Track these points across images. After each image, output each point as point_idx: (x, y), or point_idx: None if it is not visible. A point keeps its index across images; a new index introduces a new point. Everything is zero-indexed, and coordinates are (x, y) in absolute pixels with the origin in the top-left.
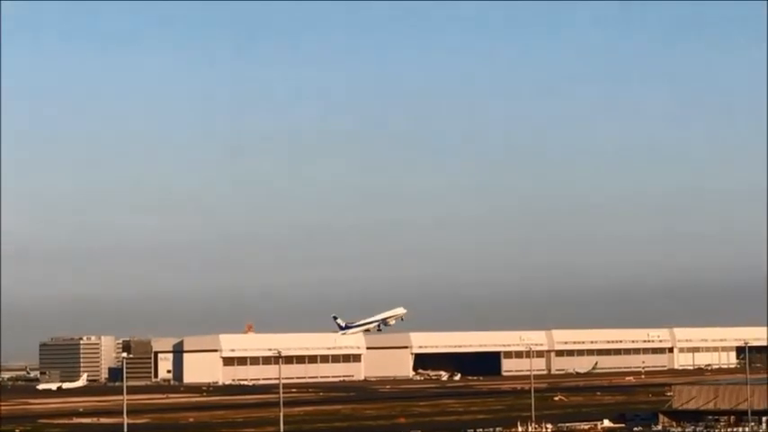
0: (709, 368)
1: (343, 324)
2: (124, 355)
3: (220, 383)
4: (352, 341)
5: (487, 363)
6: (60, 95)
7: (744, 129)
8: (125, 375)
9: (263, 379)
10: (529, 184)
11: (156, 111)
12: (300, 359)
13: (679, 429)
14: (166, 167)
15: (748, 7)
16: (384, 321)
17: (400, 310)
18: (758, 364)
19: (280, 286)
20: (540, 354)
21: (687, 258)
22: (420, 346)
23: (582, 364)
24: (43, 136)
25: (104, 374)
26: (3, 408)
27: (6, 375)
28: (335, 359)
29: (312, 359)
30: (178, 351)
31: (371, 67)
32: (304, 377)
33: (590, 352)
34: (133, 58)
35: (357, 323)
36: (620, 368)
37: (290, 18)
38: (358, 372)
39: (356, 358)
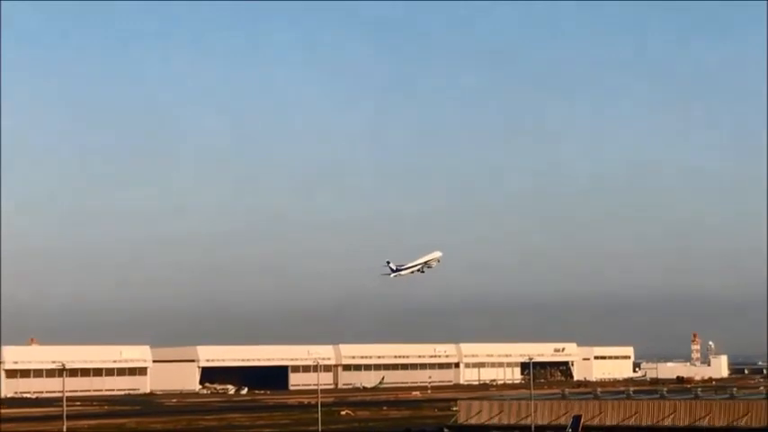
0: (495, 383)
1: (394, 267)
2: None
3: (2, 396)
4: (137, 354)
5: (275, 377)
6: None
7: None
8: None
9: (47, 392)
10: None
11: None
12: (85, 372)
13: None
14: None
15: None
16: (427, 264)
17: (438, 254)
18: (542, 380)
19: (64, 297)
20: (327, 368)
21: (478, 276)
22: (207, 360)
23: (369, 379)
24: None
25: None
26: None
27: None
28: (121, 372)
29: (97, 372)
30: None
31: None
32: (89, 390)
33: (377, 367)
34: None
35: (405, 266)
36: (407, 383)
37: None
38: (144, 385)
39: (142, 371)
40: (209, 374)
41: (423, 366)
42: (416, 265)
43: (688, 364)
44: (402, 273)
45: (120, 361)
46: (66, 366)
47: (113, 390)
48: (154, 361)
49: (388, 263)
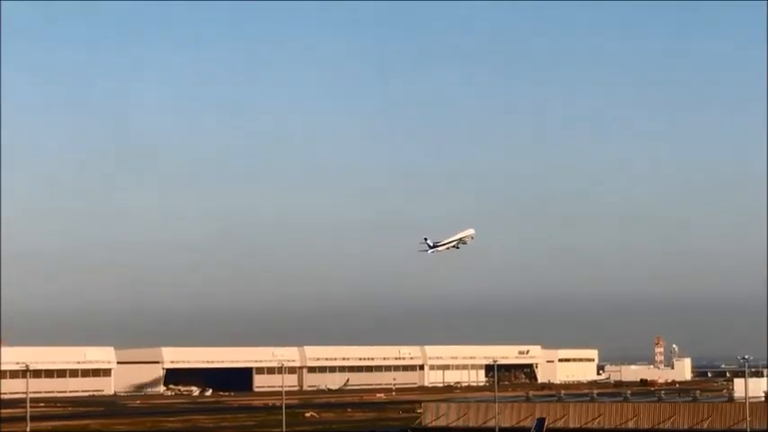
0: (459, 386)
1: (431, 243)
2: None
3: None
4: (102, 355)
5: (239, 378)
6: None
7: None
8: None
9: (10, 393)
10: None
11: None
12: (49, 373)
13: None
14: None
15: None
16: (461, 240)
17: (471, 231)
18: (506, 382)
19: (33, 298)
20: (292, 370)
21: (439, 279)
22: (172, 361)
23: (334, 381)
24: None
25: None
26: None
27: None
28: (85, 373)
29: (61, 373)
30: None
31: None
32: (52, 391)
33: (342, 368)
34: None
35: (442, 242)
36: (372, 385)
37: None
38: (108, 386)
39: (106, 373)
40: (173, 376)
41: (387, 368)
42: (452, 242)
43: (651, 366)
44: (439, 249)
45: (84, 362)
46: (30, 367)
47: (77, 391)
48: (118, 362)
49: (426, 239)
